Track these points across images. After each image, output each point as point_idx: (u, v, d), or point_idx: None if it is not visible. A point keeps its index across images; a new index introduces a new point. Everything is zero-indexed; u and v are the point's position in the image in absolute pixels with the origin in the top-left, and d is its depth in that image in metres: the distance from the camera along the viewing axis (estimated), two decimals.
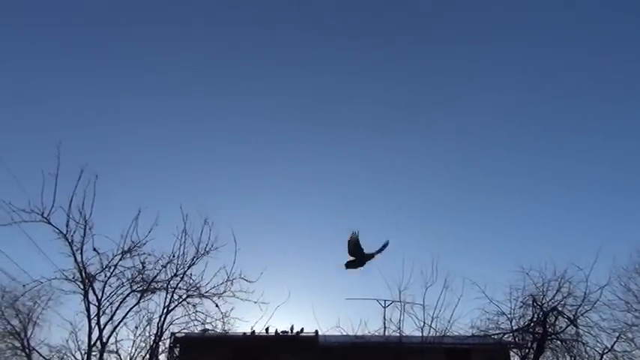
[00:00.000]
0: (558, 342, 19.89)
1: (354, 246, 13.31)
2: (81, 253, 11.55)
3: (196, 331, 13.66)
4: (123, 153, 59.37)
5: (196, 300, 12.89)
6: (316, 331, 19.08)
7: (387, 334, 18.72)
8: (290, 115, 61.44)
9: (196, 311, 12.95)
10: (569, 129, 59.02)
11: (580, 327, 19.89)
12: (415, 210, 61.43)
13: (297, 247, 56.18)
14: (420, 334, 18.32)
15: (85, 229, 11.51)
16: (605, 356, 19.49)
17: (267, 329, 18.32)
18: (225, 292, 12.80)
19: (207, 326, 13.20)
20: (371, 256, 13.59)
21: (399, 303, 18.76)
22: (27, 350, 20.28)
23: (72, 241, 11.40)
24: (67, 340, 13.39)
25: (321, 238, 60.89)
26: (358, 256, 13.62)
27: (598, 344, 19.73)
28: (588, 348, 19.68)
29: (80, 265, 11.50)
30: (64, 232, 11.34)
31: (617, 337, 20.20)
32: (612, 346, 19.75)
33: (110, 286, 11.86)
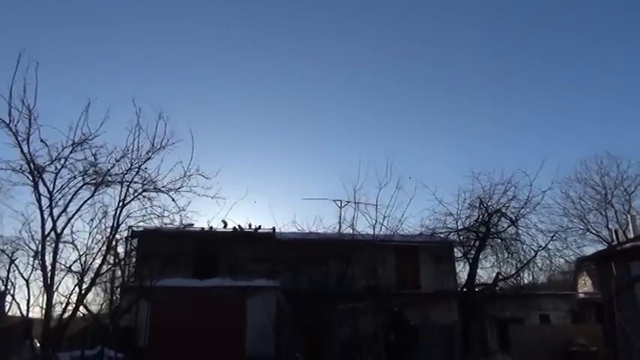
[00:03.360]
0: (499, 240, 21.48)
1: None
2: (27, 143, 11.07)
3: (153, 225, 13.76)
4: (69, 41, 55.61)
5: (152, 194, 12.84)
6: (273, 228, 19.61)
7: (341, 231, 19.58)
8: (247, 14, 58.29)
9: (153, 205, 12.95)
10: (518, 51, 59.05)
11: (520, 227, 21.49)
12: (371, 107, 61.90)
13: (256, 145, 56.30)
14: (372, 232, 19.28)
15: (30, 119, 10.94)
16: (539, 253, 21.32)
17: (224, 224, 18.76)
18: (182, 187, 12.78)
19: (165, 220, 13.28)
20: None
21: (353, 203, 19.46)
22: None
23: (16, 131, 10.86)
24: (20, 231, 13.28)
25: (280, 135, 61.06)
26: None
27: (534, 243, 21.48)
28: (525, 246, 21.42)
29: (27, 156, 11.08)
30: (7, 122, 10.75)
31: (552, 237, 21.97)
32: (546, 245, 21.55)
33: (61, 178, 11.57)
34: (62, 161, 11.48)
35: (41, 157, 11.33)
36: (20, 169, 11.17)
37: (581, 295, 25.59)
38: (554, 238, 22.13)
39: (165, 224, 13.57)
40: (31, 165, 11.16)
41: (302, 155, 63.21)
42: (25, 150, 11.08)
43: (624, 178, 28.54)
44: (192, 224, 16.24)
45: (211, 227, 18.08)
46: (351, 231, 19.27)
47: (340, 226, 19.50)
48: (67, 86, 48.69)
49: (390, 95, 62.92)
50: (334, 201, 19.67)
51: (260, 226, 19.64)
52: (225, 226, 18.65)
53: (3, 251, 17.38)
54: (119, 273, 16.13)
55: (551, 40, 60.02)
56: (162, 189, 12.76)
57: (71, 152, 11.55)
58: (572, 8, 59.52)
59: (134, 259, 17.79)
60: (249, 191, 21.88)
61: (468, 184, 22.43)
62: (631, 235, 17.15)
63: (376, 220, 18.85)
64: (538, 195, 21.43)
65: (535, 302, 21.74)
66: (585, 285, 27.99)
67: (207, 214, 26.31)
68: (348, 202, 19.40)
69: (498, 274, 21.59)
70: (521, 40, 61.03)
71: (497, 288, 21.61)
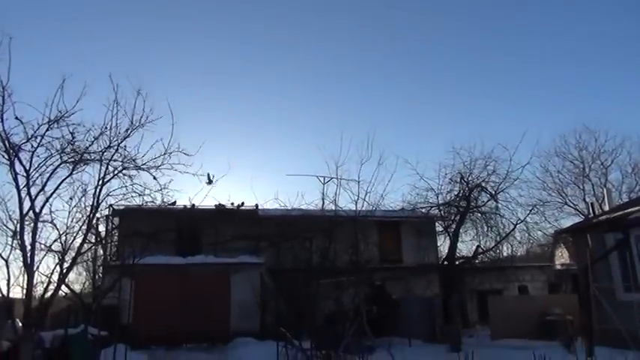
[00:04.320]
0: (479, 214, 21.86)
1: None
2: (1, 121, 10.73)
3: (134, 203, 13.59)
4: (45, 19, 53.79)
5: (133, 172, 12.55)
6: (256, 205, 19.63)
7: (323, 207, 19.66)
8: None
9: (133, 183, 12.68)
10: (496, 22, 58.99)
11: (499, 202, 21.92)
12: (351, 81, 61.64)
13: (236, 121, 55.79)
14: (355, 208, 19.41)
15: (3, 96, 10.55)
16: (517, 227, 21.79)
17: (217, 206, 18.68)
18: (162, 164, 12.54)
19: (146, 198, 13.10)
20: None
21: (336, 179, 19.51)
22: None
23: None
24: None
25: (260, 111, 60.53)
26: None
27: (513, 217, 21.93)
28: (504, 220, 21.86)
29: (2, 134, 10.74)
30: None
31: (530, 211, 22.48)
32: (525, 218, 22.06)
33: (38, 156, 11.23)
34: (38, 139, 11.13)
35: (17, 135, 10.97)
36: None
37: (558, 267, 26.33)
38: (533, 211, 22.68)
39: (147, 202, 13.38)
40: (6, 143, 10.82)
41: (283, 131, 62.86)
42: (0, 128, 10.77)
43: (601, 152, 29.19)
44: (175, 202, 16.12)
45: (193, 205, 17.99)
46: (333, 207, 19.40)
47: (323, 203, 19.61)
48: (41, 61, 47.33)
49: (370, 69, 62.62)
50: (317, 177, 19.72)
51: (243, 203, 19.63)
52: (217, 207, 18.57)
53: None
54: (101, 252, 16.03)
55: (529, 10, 60.09)
56: (143, 167, 12.49)
57: (47, 130, 11.20)
58: None
59: (116, 238, 17.67)
60: (230, 167, 21.73)
61: (449, 160, 22.74)
62: (607, 208, 17.61)
63: (358, 196, 18.98)
64: (517, 169, 21.85)
65: (514, 274, 22.33)
66: (562, 257, 28.80)
67: (190, 192, 26.22)
68: (331, 178, 19.47)
69: (478, 247, 22.06)
70: (498, 10, 60.94)
71: (477, 261, 22.10)
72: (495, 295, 19.71)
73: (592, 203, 20.53)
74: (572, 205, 29.25)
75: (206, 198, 21.39)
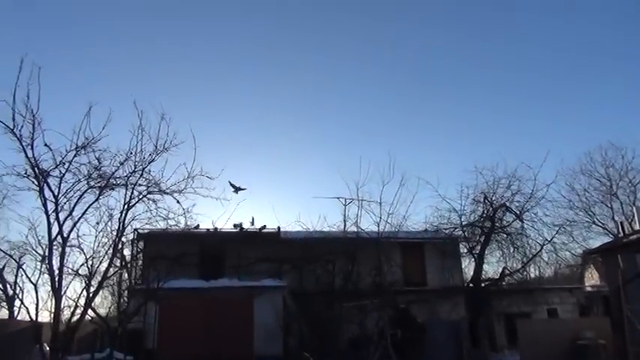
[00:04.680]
0: (504, 235, 21.42)
1: None
2: (32, 148, 11.09)
3: (159, 227, 13.78)
4: (70, 47, 55.75)
5: (157, 196, 12.84)
6: (278, 227, 19.66)
7: (345, 229, 19.57)
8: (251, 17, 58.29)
9: (158, 207, 12.95)
10: (520, 39, 58.82)
11: (525, 221, 21.43)
12: (372, 103, 61.83)
13: (258, 145, 56.34)
14: (377, 229, 19.27)
15: (33, 124, 10.94)
16: (544, 247, 21.26)
17: (238, 226, 18.85)
18: (186, 188, 12.77)
19: (170, 222, 13.30)
20: None
21: (357, 201, 19.44)
22: None
23: (20, 136, 10.87)
24: (26, 236, 13.35)
25: (281, 134, 61.06)
26: None
27: (539, 237, 21.42)
28: (531, 240, 21.36)
29: (32, 160, 11.11)
30: (11, 127, 10.79)
31: (557, 231, 21.92)
32: (552, 239, 21.49)
33: (66, 182, 11.59)
34: (66, 165, 11.52)
35: (46, 162, 11.36)
36: (25, 174, 11.22)
37: (588, 288, 25.49)
38: (560, 231, 22.10)
39: (171, 226, 13.57)
40: (36, 170, 11.19)
41: (304, 154, 63.19)
42: (30, 155, 11.12)
43: (629, 169, 28.37)
44: (198, 225, 16.29)
45: (216, 228, 18.14)
46: (355, 229, 19.28)
47: (345, 224, 19.53)
48: (69, 89, 48.89)
49: (391, 90, 62.87)
50: (338, 199, 19.68)
51: (265, 226, 19.70)
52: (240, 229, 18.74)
53: (10, 256, 17.49)
54: (126, 276, 16.21)
55: (553, 26, 59.82)
56: (167, 191, 12.77)
57: (75, 156, 11.59)
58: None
59: (141, 262, 17.87)
60: (252, 191, 21.86)
61: (472, 180, 22.48)
62: (637, 227, 17.09)
63: (380, 218, 18.85)
64: (542, 188, 21.41)
65: (542, 296, 21.68)
66: (592, 278, 27.87)
67: (212, 215, 26.43)
68: (352, 199, 19.40)
69: (504, 268, 21.54)
70: (523, 30, 60.84)
71: (504, 283, 21.57)
72: (524, 318, 19.16)
73: (621, 222, 19.96)
74: (600, 224, 28.44)
75: (228, 221, 21.51)
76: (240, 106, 61.29)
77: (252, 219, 19.79)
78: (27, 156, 11.08)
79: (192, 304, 15.96)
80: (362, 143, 55.77)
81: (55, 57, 50.94)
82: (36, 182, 11.24)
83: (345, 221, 19.49)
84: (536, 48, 60.47)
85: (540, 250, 21.18)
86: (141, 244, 17.79)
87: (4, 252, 18.75)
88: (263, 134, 59.91)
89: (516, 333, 16.24)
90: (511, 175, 21.45)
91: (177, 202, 12.86)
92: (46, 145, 11.21)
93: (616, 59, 58.07)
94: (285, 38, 62.22)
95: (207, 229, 18.15)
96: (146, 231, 15.84)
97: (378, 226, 19.16)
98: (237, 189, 16.98)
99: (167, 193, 12.79)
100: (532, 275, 22.26)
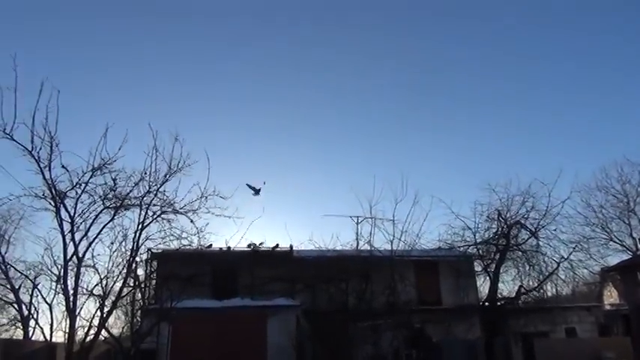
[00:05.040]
0: (519, 252, 21.12)
1: None
2: (49, 170, 11.28)
3: (172, 246, 13.84)
4: (86, 70, 56.91)
5: (171, 216, 12.94)
6: (291, 246, 19.61)
7: (358, 247, 19.48)
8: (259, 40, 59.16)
9: (171, 227, 13.03)
10: (531, 53, 58.81)
11: (540, 239, 21.13)
12: (383, 120, 61.91)
13: (269, 165, 56.61)
14: (390, 248, 19.14)
15: (51, 146, 11.16)
16: (561, 265, 20.90)
17: (250, 245, 18.86)
18: (199, 208, 12.85)
19: (183, 241, 13.35)
20: None
21: (370, 219, 19.38)
22: (3, 267, 20.48)
23: (38, 158, 11.08)
24: (42, 257, 13.51)
25: (293, 152, 61.28)
26: None
27: (556, 255, 21.09)
28: (546, 258, 21.02)
29: (49, 182, 11.28)
30: (30, 149, 10.99)
31: (574, 248, 21.56)
32: (569, 256, 21.13)
33: (82, 202, 11.75)
34: (83, 186, 11.67)
35: (62, 183, 11.53)
36: (42, 195, 11.38)
37: (608, 307, 24.97)
38: (577, 248, 21.74)
39: (184, 245, 13.62)
40: (53, 191, 11.35)
41: (317, 172, 63.28)
42: (47, 176, 11.29)
43: None
44: (211, 245, 16.32)
45: (229, 247, 18.15)
46: (368, 247, 19.16)
47: (358, 243, 19.43)
48: (85, 111, 49.67)
49: (403, 107, 62.95)
50: (351, 217, 19.64)
51: (277, 245, 19.67)
52: (253, 248, 18.71)
53: (26, 276, 17.67)
54: (139, 295, 16.25)
55: (565, 42, 59.73)
56: (180, 210, 12.86)
57: (91, 177, 11.75)
58: (590, 9, 59.28)
59: (154, 281, 17.91)
60: (264, 210, 21.86)
61: (485, 197, 22.24)
62: None
63: (394, 236, 18.76)
64: (557, 205, 21.13)
65: (560, 315, 21.24)
66: (611, 296, 27.33)
67: (225, 234, 26.39)
68: (365, 217, 19.34)
69: (520, 287, 21.18)
70: (536, 44, 60.85)
71: (520, 302, 21.20)
72: (541, 337, 18.77)
73: (639, 239, 19.60)
74: (618, 241, 27.94)
75: (242, 240, 21.53)
76: (252, 125, 61.80)
77: (261, 242, 19.73)
78: (44, 177, 11.26)
79: (205, 324, 15.90)
80: (374, 160, 55.78)
81: (73, 79, 52.00)
82: (53, 203, 11.39)
83: (357, 240, 19.44)
84: (549, 62, 60.43)
85: (557, 268, 20.81)
86: (154, 264, 17.86)
87: (20, 272, 18.96)
88: (276, 152, 60.18)
89: (534, 353, 15.95)
90: (525, 192, 21.26)
91: (191, 221, 12.94)
92: (63, 166, 11.39)
93: (630, 73, 57.72)
94: (296, 57, 62.91)
95: (220, 248, 18.16)
96: (159, 250, 15.90)
97: (392, 245, 19.08)
98: (256, 191, 16.93)
99: (181, 213, 12.88)
100: (549, 294, 21.87)
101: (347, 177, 58.79)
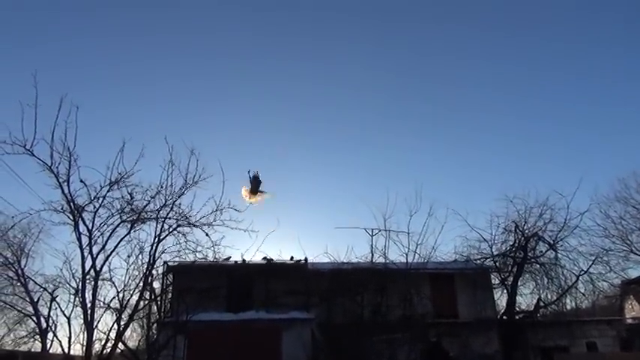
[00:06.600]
0: (537, 265, 20.78)
1: None
2: (68, 184, 11.52)
3: (188, 260, 13.94)
4: (104, 86, 57.99)
5: (187, 229, 13.05)
6: (305, 259, 19.57)
7: (373, 260, 19.37)
8: (275, 52, 59.77)
9: (187, 240, 13.14)
10: (549, 65, 58.40)
11: (559, 251, 20.75)
12: (399, 139, 61.77)
13: (283, 177, 56.81)
14: (405, 260, 18.99)
15: (70, 161, 11.41)
16: (580, 278, 20.50)
17: (266, 259, 18.86)
18: (214, 221, 12.95)
19: (199, 254, 13.45)
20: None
21: (385, 231, 19.28)
22: (22, 280, 20.77)
23: (57, 173, 11.33)
24: (60, 270, 13.69)
25: (307, 165, 61.43)
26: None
27: (575, 267, 20.70)
28: (565, 270, 20.64)
29: (68, 196, 11.50)
30: (49, 164, 11.23)
31: (594, 261, 21.13)
32: (588, 269, 20.72)
33: (100, 216, 11.95)
34: (100, 200, 11.88)
35: (81, 197, 11.75)
36: (61, 209, 11.59)
37: (629, 321, 24.38)
38: (596, 261, 21.33)
39: (200, 259, 13.72)
40: (72, 205, 11.56)
41: (331, 185, 63.28)
42: (66, 191, 11.52)
43: None
44: (228, 258, 16.39)
45: (244, 260, 18.20)
46: (383, 260, 19.03)
47: (372, 255, 19.32)
48: (103, 126, 50.51)
49: (417, 119, 62.86)
50: (365, 229, 19.54)
51: (292, 257, 19.64)
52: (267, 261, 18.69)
53: (45, 289, 17.87)
54: (155, 308, 16.35)
55: (581, 53, 59.23)
56: (196, 224, 12.97)
57: (109, 191, 11.95)
58: (609, 21, 58.82)
59: (170, 294, 18.00)
60: (279, 222, 21.86)
61: (502, 209, 21.98)
62: None
63: (409, 248, 18.62)
64: (576, 217, 20.79)
65: (579, 329, 20.79)
66: (632, 309, 26.68)
67: (240, 247, 26.48)
68: (380, 230, 19.23)
69: (539, 300, 20.80)
70: (552, 54, 60.45)
71: (539, 315, 20.82)
72: (561, 352, 18.39)
73: None
74: (638, 253, 27.32)
75: (257, 253, 21.55)
76: (265, 139, 62.14)
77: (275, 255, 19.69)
78: (63, 192, 11.48)
79: (221, 337, 15.93)
80: (389, 172, 55.61)
81: (91, 95, 52.99)
82: (71, 217, 11.60)
83: (372, 252, 19.32)
84: (565, 74, 59.95)
85: (576, 281, 20.41)
86: (170, 277, 17.98)
87: (39, 285, 19.20)
88: (290, 165, 60.36)
89: None
90: (543, 204, 20.94)
91: (206, 234, 13.04)
92: (81, 181, 11.62)
93: None
94: (309, 72, 63.35)
95: (235, 262, 18.23)
96: (175, 264, 16.02)
97: (407, 257, 18.94)
98: (256, 180, 16.51)
99: (196, 226, 12.99)
100: (568, 307, 21.45)
101: (361, 190, 58.68)
